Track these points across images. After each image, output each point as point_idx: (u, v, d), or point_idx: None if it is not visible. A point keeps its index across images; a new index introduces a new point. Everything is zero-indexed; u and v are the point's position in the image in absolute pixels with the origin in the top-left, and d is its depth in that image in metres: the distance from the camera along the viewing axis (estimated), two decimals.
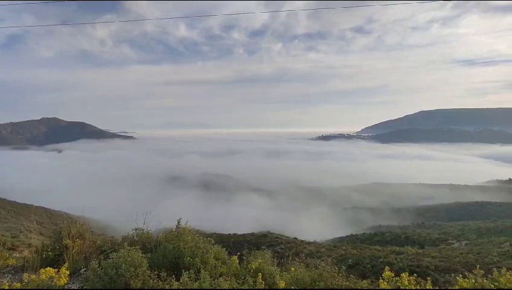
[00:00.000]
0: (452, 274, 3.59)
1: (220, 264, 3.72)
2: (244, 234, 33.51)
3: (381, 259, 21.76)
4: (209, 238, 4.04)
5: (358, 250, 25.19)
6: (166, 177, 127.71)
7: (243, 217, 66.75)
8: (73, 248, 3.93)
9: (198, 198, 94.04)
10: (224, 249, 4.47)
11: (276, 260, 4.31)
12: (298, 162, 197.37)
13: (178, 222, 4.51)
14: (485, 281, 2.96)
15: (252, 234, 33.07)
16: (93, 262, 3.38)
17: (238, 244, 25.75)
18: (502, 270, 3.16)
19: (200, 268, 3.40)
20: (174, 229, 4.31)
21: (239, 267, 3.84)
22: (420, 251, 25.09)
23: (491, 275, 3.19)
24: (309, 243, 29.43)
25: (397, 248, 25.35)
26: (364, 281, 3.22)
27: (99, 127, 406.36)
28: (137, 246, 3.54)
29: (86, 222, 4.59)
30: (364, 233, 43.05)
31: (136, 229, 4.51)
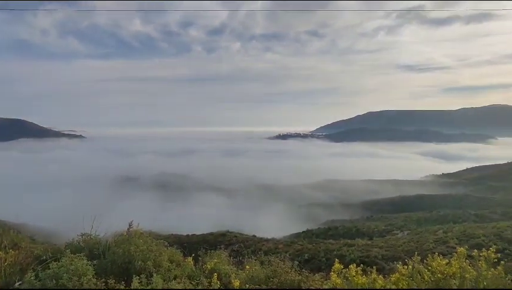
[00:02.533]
0: (395, 262, 3.90)
1: (174, 266, 3.62)
2: (203, 234, 33.02)
3: (334, 252, 22.89)
4: (162, 241, 3.91)
5: (314, 245, 26.23)
6: (119, 178, 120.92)
7: (201, 217, 65.77)
8: (5, 260, 3.53)
9: (155, 199, 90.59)
10: (180, 250, 4.37)
11: (232, 259, 4.32)
12: (256, 160, 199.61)
13: (129, 225, 4.29)
14: (420, 266, 3.26)
15: (211, 234, 32.70)
16: (30, 274, 3.05)
17: (196, 245, 25.24)
18: (435, 255, 3.53)
19: (152, 272, 3.27)
20: (124, 233, 4.09)
21: (194, 269, 3.78)
22: (369, 242, 26.81)
23: (426, 260, 3.53)
24: (267, 240, 29.91)
25: (349, 241, 26.85)
26: (316, 274, 3.37)
27: (42, 125, 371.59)
28: (83, 253, 3.29)
29: (24, 230, 4.16)
30: (319, 228, 44.92)
31: (82, 235, 4.19)
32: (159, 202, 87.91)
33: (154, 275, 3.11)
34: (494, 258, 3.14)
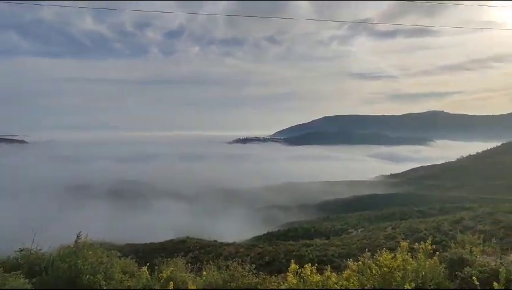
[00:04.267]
0: (349, 259, 4.12)
1: (127, 277, 3.44)
2: (161, 242, 31.82)
3: (294, 253, 23.41)
4: (114, 251, 3.69)
5: (274, 247, 26.56)
6: (69, 187, 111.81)
7: (160, 225, 63.39)
8: None
9: (108, 208, 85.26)
10: (135, 260, 4.18)
11: (191, 266, 4.23)
12: (216, 165, 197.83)
13: (77, 236, 4.00)
14: (369, 261, 3.49)
15: (170, 241, 31.60)
16: None
17: (154, 254, 24.23)
18: (382, 250, 3.80)
19: (102, 286, 3.07)
20: (72, 245, 3.80)
21: (149, 278, 3.63)
22: (327, 241, 27.83)
23: (376, 255, 3.79)
24: (228, 245, 29.66)
25: (307, 241, 27.63)
26: (273, 277, 3.44)
27: None
28: (20, 271, 2.97)
29: None
30: (279, 230, 45.67)
31: (21, 251, 3.80)
32: (113, 210, 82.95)
33: (105, 288, 2.93)
34: (431, 250, 3.50)
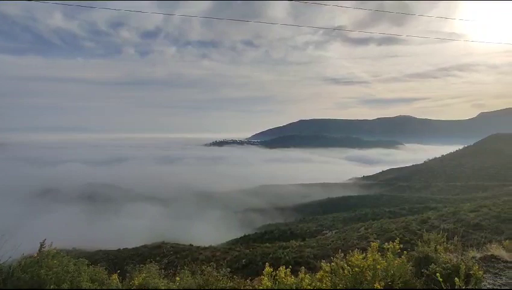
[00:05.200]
0: (323, 260, 4.20)
1: (96, 286, 3.30)
2: (136, 247, 30.80)
3: (270, 255, 23.50)
4: (82, 259, 3.52)
5: (251, 249, 26.52)
6: (37, 191, 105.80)
7: (134, 229, 61.40)
8: None
9: (80, 213, 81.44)
10: (104, 268, 4.01)
11: (164, 272, 4.13)
12: (192, 168, 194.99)
13: (41, 245, 3.78)
14: (341, 262, 3.58)
15: (145, 247, 30.64)
16: None
17: (127, 260, 23.42)
18: (354, 251, 3.92)
19: None
20: (35, 254, 3.58)
21: (120, 286, 3.50)
22: (302, 243, 28.20)
23: (348, 256, 3.89)
24: (204, 249, 29.25)
25: (284, 243, 27.84)
26: (248, 280, 3.44)
27: None
28: None
29: None
30: (256, 233, 45.73)
31: None
32: (84, 215, 79.41)
33: None
34: (399, 249, 3.66)
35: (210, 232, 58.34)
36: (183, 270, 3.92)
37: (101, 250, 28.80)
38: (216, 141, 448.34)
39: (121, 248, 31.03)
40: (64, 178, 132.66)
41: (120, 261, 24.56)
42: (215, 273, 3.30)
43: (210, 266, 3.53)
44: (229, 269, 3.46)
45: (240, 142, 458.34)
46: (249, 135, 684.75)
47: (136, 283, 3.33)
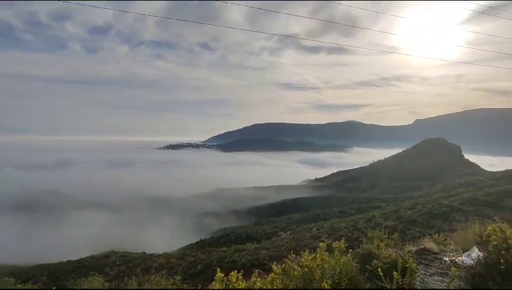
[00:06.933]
0: (275, 262, 4.32)
1: None
2: (82, 258, 28.39)
3: (227, 259, 23.35)
4: (8, 278, 3.17)
5: (207, 254, 26.08)
6: None
7: (79, 239, 56.63)
8: None
9: (15, 223, 73.23)
10: (38, 285, 3.69)
11: (111, 283, 3.92)
12: (145, 172, 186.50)
13: None
14: (292, 263, 3.74)
15: (92, 257, 28.38)
16: None
17: (71, 274, 21.51)
18: (305, 251, 4.12)
19: None
20: None
21: None
22: (258, 245, 28.50)
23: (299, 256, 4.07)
24: (158, 256, 28.06)
25: (240, 246, 27.87)
26: (199, 286, 3.42)
27: None
28: None
29: None
30: (212, 237, 45.10)
31: None
32: (21, 226, 71.56)
33: None
34: (344, 247, 3.94)
35: (164, 238, 56.21)
36: (130, 281, 3.74)
37: (40, 265, 26.13)
38: (171, 144, 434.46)
39: (64, 261, 28.46)
40: None
41: (63, 275, 22.52)
42: (164, 282, 3.21)
43: (160, 274, 3.43)
44: (179, 277, 3.40)
45: (196, 146, 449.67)
46: (205, 138, 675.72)
47: None
